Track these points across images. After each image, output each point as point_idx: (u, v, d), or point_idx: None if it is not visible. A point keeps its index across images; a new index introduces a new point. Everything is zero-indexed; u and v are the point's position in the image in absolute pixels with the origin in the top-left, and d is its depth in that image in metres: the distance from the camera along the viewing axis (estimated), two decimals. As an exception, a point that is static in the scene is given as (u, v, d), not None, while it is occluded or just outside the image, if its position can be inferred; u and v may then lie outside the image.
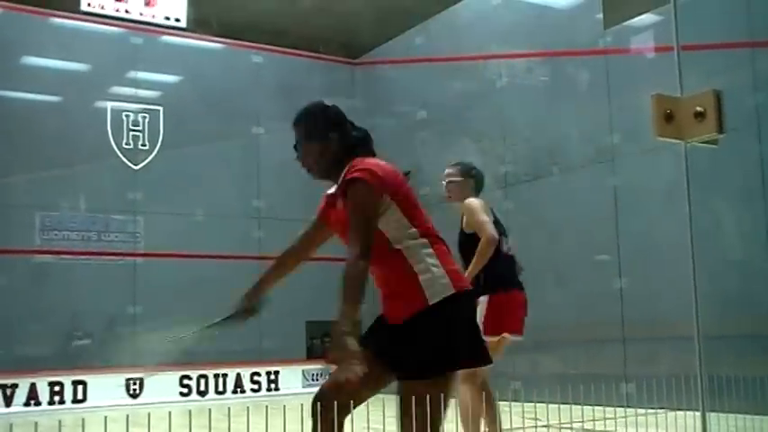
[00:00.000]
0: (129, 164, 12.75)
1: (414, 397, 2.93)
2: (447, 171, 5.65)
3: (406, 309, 3.19)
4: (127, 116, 12.87)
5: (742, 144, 8.11)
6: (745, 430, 5.79)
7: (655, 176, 9.01)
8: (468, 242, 5.22)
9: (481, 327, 3.99)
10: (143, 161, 12.85)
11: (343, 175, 3.32)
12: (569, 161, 10.36)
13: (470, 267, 4.98)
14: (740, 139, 7.98)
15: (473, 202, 5.34)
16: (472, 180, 5.54)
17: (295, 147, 3.59)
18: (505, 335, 5.04)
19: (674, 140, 2.96)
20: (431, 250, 3.15)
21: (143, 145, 12.88)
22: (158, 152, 12.92)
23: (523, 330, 5.17)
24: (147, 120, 12.98)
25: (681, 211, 3.27)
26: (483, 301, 4.96)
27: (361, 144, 3.53)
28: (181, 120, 13.16)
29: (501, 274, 5.15)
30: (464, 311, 3.11)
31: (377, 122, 14.39)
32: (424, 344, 3.04)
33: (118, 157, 12.67)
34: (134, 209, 12.66)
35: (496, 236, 5.08)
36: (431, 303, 3.05)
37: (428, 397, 2.85)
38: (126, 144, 12.77)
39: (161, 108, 13.11)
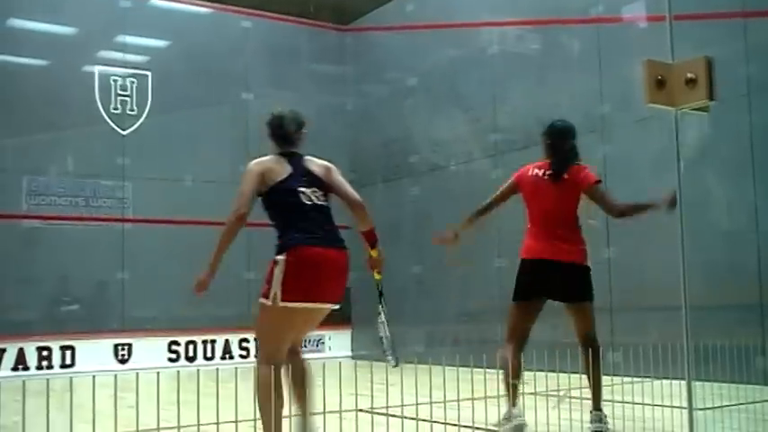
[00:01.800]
0: (118, 129, 12.66)
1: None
2: None
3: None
4: (115, 81, 12.75)
5: (732, 115, 8.12)
6: (729, 398, 5.85)
7: (644, 146, 9.01)
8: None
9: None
10: (131, 126, 12.76)
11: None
12: (559, 130, 10.32)
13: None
14: (731, 110, 7.98)
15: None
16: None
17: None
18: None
19: (664, 107, 2.95)
20: None
21: (131, 110, 12.78)
22: (147, 117, 12.83)
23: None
24: (135, 84, 12.87)
25: (670, 181, 3.27)
26: None
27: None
28: (169, 85, 13.05)
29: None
30: None
31: (366, 89, 14.36)
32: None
33: (106, 122, 12.57)
34: (122, 174, 12.59)
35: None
36: None
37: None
38: (114, 109, 12.67)
39: (149, 73, 12.99)
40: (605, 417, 5.09)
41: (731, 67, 8.09)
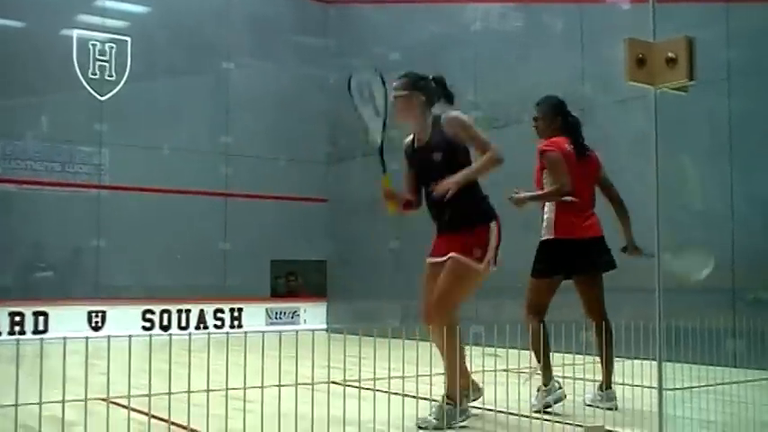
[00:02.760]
0: (96, 94, 12.53)
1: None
2: (393, 84, 5.12)
3: None
4: (93, 45, 12.60)
5: (712, 99, 8.15)
6: (699, 380, 5.92)
7: (624, 127, 9.03)
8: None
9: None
10: (109, 92, 12.63)
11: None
12: (540, 109, 10.33)
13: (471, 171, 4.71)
14: (710, 93, 8.01)
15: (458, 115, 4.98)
16: (419, 93, 5.03)
17: None
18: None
19: (644, 85, 2.96)
20: None
21: (110, 76, 12.65)
22: (125, 83, 12.71)
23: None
24: (114, 50, 12.72)
25: (648, 163, 3.27)
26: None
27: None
28: (149, 52, 12.92)
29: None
30: None
31: (348, 63, 14.26)
32: None
33: (84, 87, 12.44)
34: (99, 140, 12.48)
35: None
36: None
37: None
38: (92, 74, 12.53)
39: (129, 39, 12.85)
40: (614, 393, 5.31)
41: (712, 50, 8.11)
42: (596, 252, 5.44)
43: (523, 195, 5.25)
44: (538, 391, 5.22)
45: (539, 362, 5.17)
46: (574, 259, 5.37)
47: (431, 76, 5.02)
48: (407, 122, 4.96)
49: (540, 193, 5.37)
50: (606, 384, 5.31)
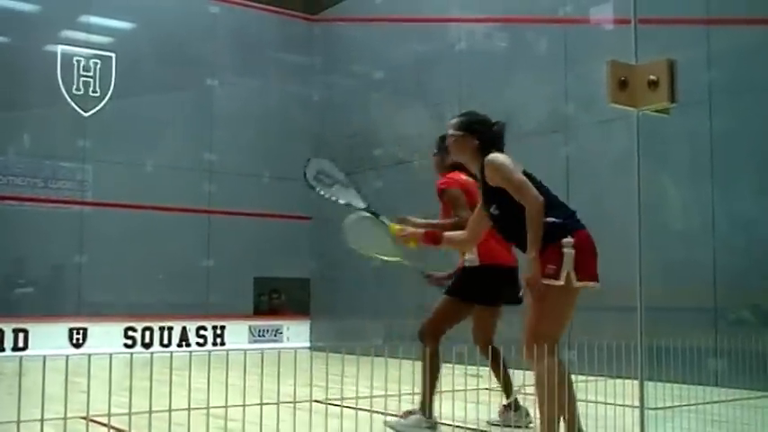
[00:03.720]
0: (79, 110, 12.49)
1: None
2: (450, 121, 5.00)
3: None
4: (78, 61, 12.57)
5: (693, 120, 8.22)
6: (681, 399, 5.93)
7: (606, 147, 9.09)
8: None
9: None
10: (93, 108, 12.59)
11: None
12: (524, 128, 10.40)
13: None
14: (692, 114, 8.08)
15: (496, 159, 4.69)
16: (473, 137, 4.78)
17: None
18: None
19: (626, 108, 2.98)
20: None
21: (94, 92, 12.61)
22: (109, 100, 12.67)
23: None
24: (98, 66, 12.70)
25: (630, 183, 3.30)
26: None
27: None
28: (133, 68, 12.91)
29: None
30: None
31: (333, 80, 14.32)
32: None
33: (67, 102, 12.40)
34: (83, 156, 12.43)
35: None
36: None
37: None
38: (76, 90, 12.49)
39: (113, 54, 12.83)
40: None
41: (694, 71, 8.19)
42: (515, 282, 5.25)
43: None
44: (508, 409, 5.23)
45: (428, 387, 5.00)
46: (500, 288, 5.29)
47: (490, 122, 4.87)
48: (462, 161, 4.91)
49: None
50: (515, 405, 5.26)
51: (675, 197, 8.46)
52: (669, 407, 5.79)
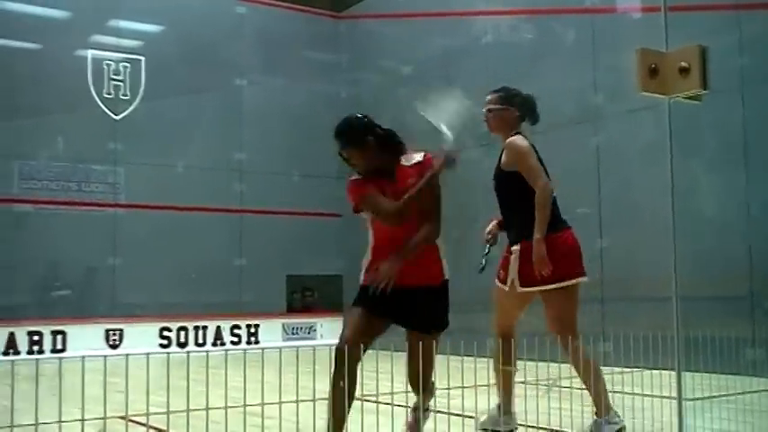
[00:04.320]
0: (110, 113, 12.61)
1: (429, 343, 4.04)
2: (487, 98, 5.04)
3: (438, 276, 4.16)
4: (108, 65, 12.69)
5: (725, 106, 8.12)
6: (719, 389, 5.88)
7: (636, 137, 9.01)
8: (510, 181, 4.81)
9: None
10: (124, 111, 12.71)
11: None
12: (553, 120, 10.32)
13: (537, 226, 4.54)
14: (724, 101, 7.99)
15: (518, 142, 4.81)
16: (514, 109, 4.94)
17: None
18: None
19: (657, 95, 2.95)
20: None
21: (124, 95, 12.73)
22: (139, 102, 12.79)
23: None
24: (128, 69, 12.82)
25: (661, 172, 3.26)
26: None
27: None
28: (163, 70, 13.00)
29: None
30: None
31: (360, 77, 14.32)
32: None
33: (98, 106, 12.52)
34: (114, 159, 12.56)
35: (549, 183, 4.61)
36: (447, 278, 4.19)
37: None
38: (107, 93, 12.62)
39: (143, 58, 12.94)
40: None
41: (725, 59, 8.09)
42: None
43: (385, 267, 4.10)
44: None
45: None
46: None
47: (524, 94, 4.99)
48: (500, 135, 4.94)
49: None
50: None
51: (708, 185, 8.37)
52: (707, 397, 5.73)
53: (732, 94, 8.21)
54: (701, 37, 3.18)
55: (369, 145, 4.21)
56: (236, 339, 12.91)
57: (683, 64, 2.84)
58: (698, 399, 5.51)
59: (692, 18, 8.13)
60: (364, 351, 3.86)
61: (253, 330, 13.10)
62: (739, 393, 5.95)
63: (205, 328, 12.66)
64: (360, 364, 3.84)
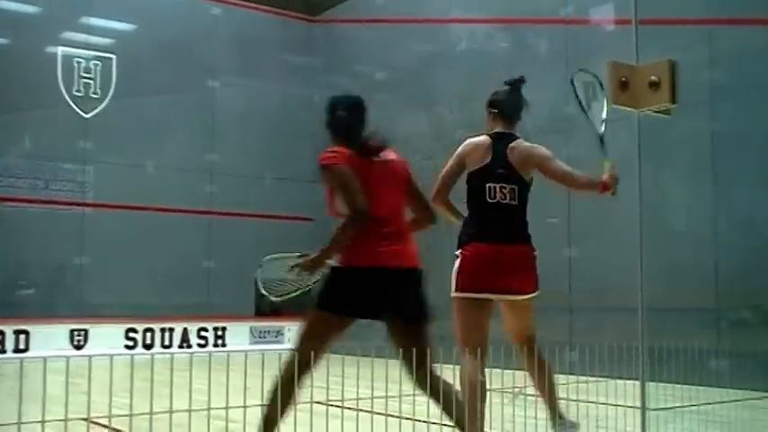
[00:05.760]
0: (80, 112, 12.49)
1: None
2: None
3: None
4: (78, 63, 12.57)
5: (695, 121, 8.21)
6: (682, 399, 5.92)
7: (608, 148, 9.07)
8: None
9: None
10: (94, 109, 12.59)
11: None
12: (525, 129, 10.38)
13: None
14: (693, 115, 8.07)
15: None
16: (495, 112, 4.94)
17: None
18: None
19: (628, 108, 2.97)
20: None
21: (94, 93, 12.62)
22: (110, 101, 12.68)
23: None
24: (99, 67, 12.70)
25: (631, 184, 3.29)
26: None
27: None
28: (135, 69, 12.91)
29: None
30: None
31: (334, 81, 14.30)
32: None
33: (68, 104, 12.40)
34: (84, 158, 12.43)
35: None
36: None
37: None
38: (77, 91, 12.50)
39: (114, 56, 12.84)
40: None
41: (695, 72, 8.18)
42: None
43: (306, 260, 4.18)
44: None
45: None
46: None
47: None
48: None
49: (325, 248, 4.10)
50: None
51: (677, 198, 8.46)
52: (670, 407, 5.78)
53: (702, 107, 8.30)
54: (672, 51, 3.22)
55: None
56: (202, 342, 12.81)
57: (654, 78, 2.87)
58: (661, 409, 5.55)
59: (664, 31, 8.22)
60: (319, 357, 3.81)
61: (220, 333, 13.01)
62: (703, 404, 6.01)
63: (172, 330, 12.55)
64: (312, 369, 3.77)
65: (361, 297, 3.93)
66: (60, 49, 12.52)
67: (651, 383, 3.28)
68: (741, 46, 8.38)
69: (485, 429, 4.09)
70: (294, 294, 4.29)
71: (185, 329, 12.68)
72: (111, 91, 12.71)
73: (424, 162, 12.18)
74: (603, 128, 4.46)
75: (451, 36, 11.89)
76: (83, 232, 12.31)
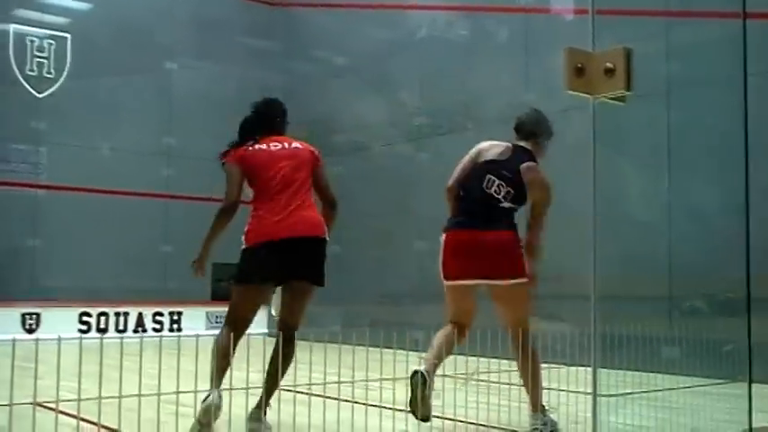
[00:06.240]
0: (33, 91, 12.26)
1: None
2: None
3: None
4: (31, 41, 12.34)
5: (652, 111, 8.30)
6: (634, 386, 6.01)
7: (565, 136, 9.13)
8: None
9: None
10: (48, 89, 12.37)
11: None
12: (484, 116, 10.43)
13: None
14: (650, 106, 8.16)
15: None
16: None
17: None
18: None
19: (583, 94, 2.98)
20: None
21: (48, 73, 12.39)
22: (65, 81, 12.47)
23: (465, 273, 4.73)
24: (53, 47, 12.48)
25: (587, 172, 3.31)
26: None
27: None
28: (90, 49, 12.70)
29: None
30: None
31: (293, 66, 14.22)
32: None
33: (21, 83, 12.16)
34: (37, 138, 12.22)
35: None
36: None
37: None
38: (30, 71, 12.27)
39: (69, 35, 12.61)
40: None
41: (653, 63, 8.27)
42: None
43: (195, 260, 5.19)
44: None
45: (217, 378, 4.13)
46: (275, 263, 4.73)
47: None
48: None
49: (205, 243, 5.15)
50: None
51: (632, 187, 8.55)
52: (622, 394, 5.85)
53: (658, 98, 8.39)
54: (630, 41, 3.22)
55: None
56: (158, 326, 12.71)
57: (609, 65, 2.88)
58: (613, 395, 5.61)
59: (622, 23, 8.28)
60: (247, 323, 4.76)
61: (176, 318, 12.91)
62: (654, 390, 6.09)
63: (126, 314, 12.43)
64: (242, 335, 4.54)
65: (262, 266, 4.80)
66: (12, 27, 12.26)
67: (603, 370, 3.31)
68: (698, 38, 8.47)
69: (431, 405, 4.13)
70: None
71: (140, 314, 12.57)
72: (66, 71, 12.50)
73: (382, 148, 12.21)
74: None
75: (412, 23, 11.87)
76: (36, 214, 12.11)
